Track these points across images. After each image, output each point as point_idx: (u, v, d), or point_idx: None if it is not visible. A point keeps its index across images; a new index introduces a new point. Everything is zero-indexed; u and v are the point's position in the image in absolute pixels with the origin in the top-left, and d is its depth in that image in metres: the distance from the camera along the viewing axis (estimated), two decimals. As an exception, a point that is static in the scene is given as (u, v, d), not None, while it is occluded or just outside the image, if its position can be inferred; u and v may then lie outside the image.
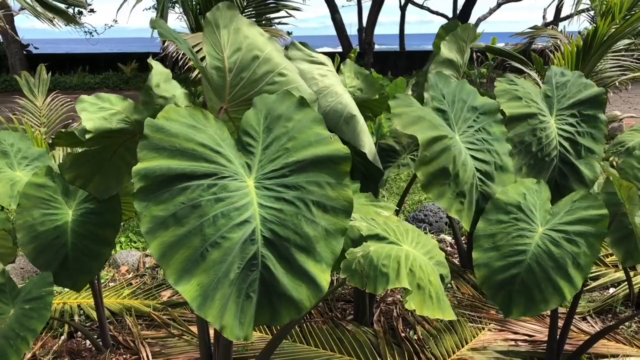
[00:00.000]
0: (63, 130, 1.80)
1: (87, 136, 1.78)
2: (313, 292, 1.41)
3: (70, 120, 4.52)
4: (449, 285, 3.17)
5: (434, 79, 2.51)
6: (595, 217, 1.96)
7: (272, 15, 5.60)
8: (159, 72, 1.92)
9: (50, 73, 4.53)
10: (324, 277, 1.43)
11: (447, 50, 3.05)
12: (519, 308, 1.97)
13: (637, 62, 5.34)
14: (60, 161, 2.08)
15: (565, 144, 2.59)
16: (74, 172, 2.01)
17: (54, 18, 6.36)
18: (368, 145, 2.29)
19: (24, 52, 15.73)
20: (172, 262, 1.35)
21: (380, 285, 1.89)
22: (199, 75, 4.39)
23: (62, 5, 6.63)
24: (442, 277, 2.00)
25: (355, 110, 2.29)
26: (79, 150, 1.99)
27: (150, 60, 1.93)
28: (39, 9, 6.14)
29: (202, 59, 3.58)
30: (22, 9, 6.28)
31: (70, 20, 6.70)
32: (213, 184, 1.45)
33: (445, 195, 2.18)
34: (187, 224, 1.38)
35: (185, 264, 1.35)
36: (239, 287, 1.38)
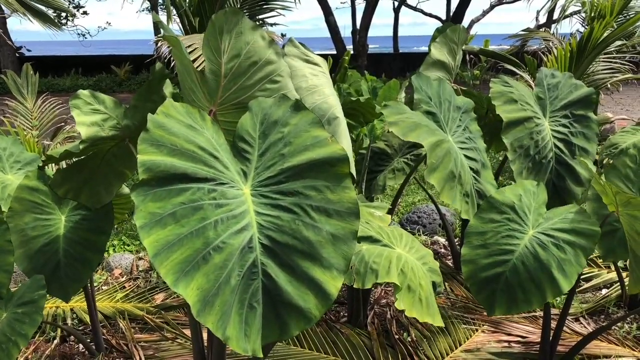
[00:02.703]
0: (56, 144, 1.80)
1: (82, 146, 1.78)
2: (321, 300, 1.36)
3: (62, 124, 4.49)
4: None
5: (417, 81, 2.52)
6: (587, 231, 1.95)
7: (264, 16, 5.57)
8: (157, 78, 1.91)
9: (38, 74, 4.46)
10: (333, 284, 1.37)
11: (437, 52, 3.06)
12: (502, 306, 1.97)
13: (628, 64, 5.37)
14: (53, 171, 2.08)
15: (560, 145, 2.61)
16: (65, 186, 2.00)
17: (34, 19, 6.27)
18: (347, 147, 2.29)
19: (17, 55, 15.64)
20: (167, 262, 1.31)
21: (369, 280, 1.89)
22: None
23: (43, 8, 6.54)
24: (434, 285, 2.01)
25: (339, 112, 2.29)
26: (68, 163, 1.99)
27: (157, 66, 1.91)
28: (18, 7, 6.04)
29: (194, 60, 3.55)
30: (14, 11, 6.22)
31: (53, 23, 6.62)
32: (213, 189, 1.43)
33: (457, 198, 2.20)
34: (188, 225, 1.35)
35: (183, 265, 1.31)
36: (241, 296, 1.34)
